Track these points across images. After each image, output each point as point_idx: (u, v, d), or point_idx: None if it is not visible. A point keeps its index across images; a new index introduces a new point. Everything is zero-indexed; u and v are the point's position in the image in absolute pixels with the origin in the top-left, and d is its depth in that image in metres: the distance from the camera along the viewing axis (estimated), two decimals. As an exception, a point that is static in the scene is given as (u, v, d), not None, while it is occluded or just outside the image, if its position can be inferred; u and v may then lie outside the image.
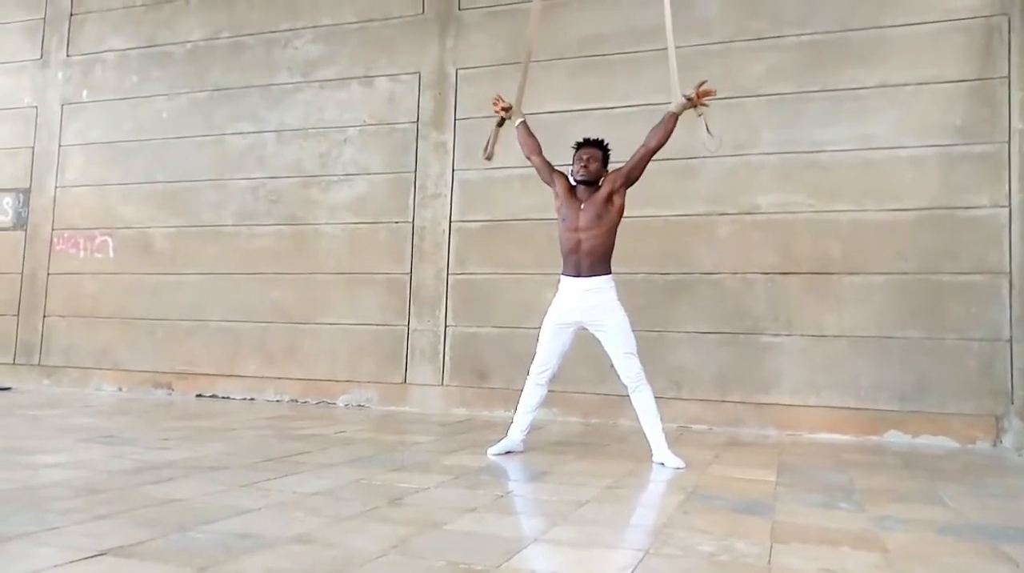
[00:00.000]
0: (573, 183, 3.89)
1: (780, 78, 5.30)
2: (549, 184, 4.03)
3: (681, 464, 3.59)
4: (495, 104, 4.21)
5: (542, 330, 3.89)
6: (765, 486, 3.17)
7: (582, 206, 3.80)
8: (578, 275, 3.77)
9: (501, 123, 4.24)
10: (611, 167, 3.91)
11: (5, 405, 5.51)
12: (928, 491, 3.22)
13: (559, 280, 3.89)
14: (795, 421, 5.06)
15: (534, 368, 3.90)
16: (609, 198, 3.77)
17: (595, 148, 3.87)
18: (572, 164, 3.87)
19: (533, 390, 3.90)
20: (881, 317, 4.98)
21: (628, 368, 3.70)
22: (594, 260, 3.75)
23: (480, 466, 3.47)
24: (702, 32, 5.47)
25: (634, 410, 3.78)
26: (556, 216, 3.91)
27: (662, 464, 3.63)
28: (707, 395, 5.26)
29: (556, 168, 4.02)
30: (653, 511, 2.81)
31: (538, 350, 3.89)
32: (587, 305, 3.74)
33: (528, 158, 4.14)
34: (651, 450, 3.73)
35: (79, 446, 3.66)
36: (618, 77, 5.59)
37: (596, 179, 3.83)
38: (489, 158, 4.30)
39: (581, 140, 3.92)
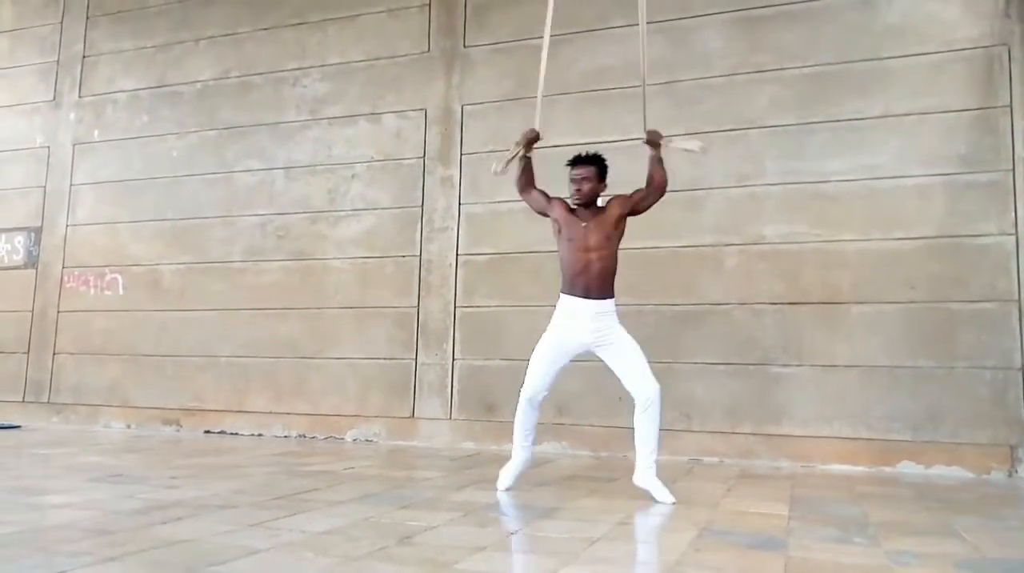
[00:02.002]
0: (572, 206, 3.80)
1: (782, 110, 5.34)
2: (545, 212, 3.90)
3: (669, 499, 3.52)
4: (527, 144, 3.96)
5: (540, 353, 3.77)
6: (778, 520, 3.14)
7: (587, 225, 3.71)
8: (587, 297, 3.67)
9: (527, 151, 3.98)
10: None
11: (14, 444, 5.51)
12: (944, 524, 3.17)
13: (561, 300, 3.76)
14: (807, 452, 5.02)
15: (529, 393, 3.75)
16: (619, 220, 3.72)
17: (588, 166, 3.75)
18: (569, 184, 3.78)
19: (530, 414, 3.77)
20: (891, 346, 4.95)
21: (650, 385, 3.61)
22: (603, 282, 3.68)
23: (489, 502, 3.45)
24: (704, 66, 5.54)
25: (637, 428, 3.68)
26: (556, 239, 3.81)
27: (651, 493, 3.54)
28: (718, 427, 5.22)
29: (549, 194, 3.92)
30: (665, 548, 2.77)
31: (533, 374, 3.76)
32: (596, 327, 3.67)
33: (525, 191, 3.97)
34: (638, 472, 3.64)
35: (88, 486, 3.65)
36: (619, 111, 5.63)
37: (593, 199, 3.76)
38: (498, 173, 4.08)
39: (573, 157, 3.79)
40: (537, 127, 3.98)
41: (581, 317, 3.69)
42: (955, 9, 5.08)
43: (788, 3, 5.42)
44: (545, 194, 3.93)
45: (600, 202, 3.83)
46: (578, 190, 3.75)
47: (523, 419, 3.81)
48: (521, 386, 3.84)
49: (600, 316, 3.68)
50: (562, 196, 3.87)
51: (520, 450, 3.82)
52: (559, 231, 3.81)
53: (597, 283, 3.68)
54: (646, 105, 3.97)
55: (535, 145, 3.96)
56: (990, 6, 5.01)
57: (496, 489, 3.76)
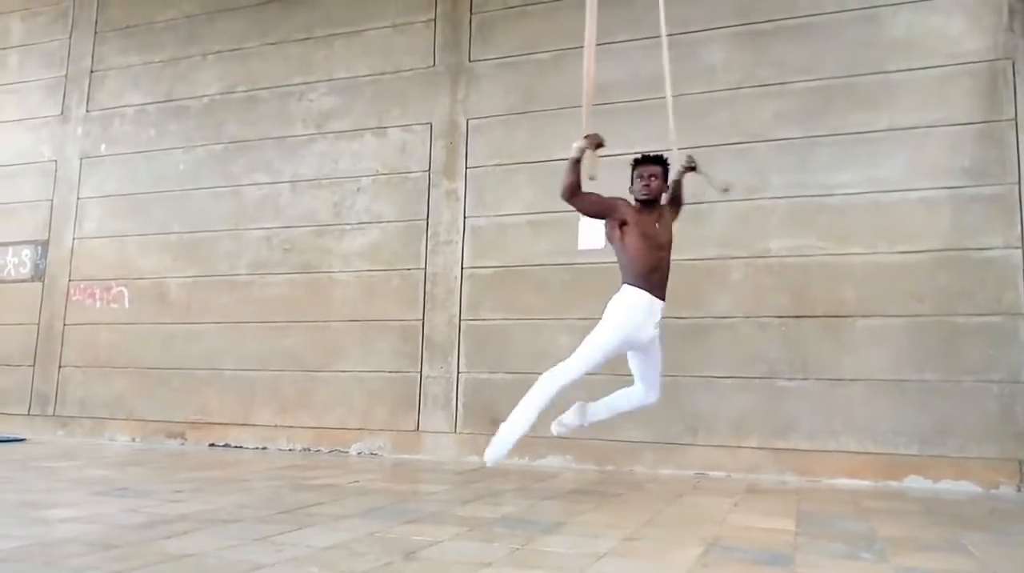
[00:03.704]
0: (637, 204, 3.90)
1: (788, 123, 5.35)
2: (604, 214, 3.85)
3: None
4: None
5: (603, 342, 3.73)
6: (785, 536, 3.12)
7: (658, 225, 3.87)
8: (660, 297, 3.82)
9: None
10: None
11: (20, 457, 5.51)
12: (952, 539, 3.15)
13: (633, 293, 3.77)
14: (814, 466, 4.99)
15: (572, 377, 3.70)
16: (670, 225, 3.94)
17: (657, 165, 3.90)
18: (632, 182, 3.89)
19: (554, 392, 3.72)
20: (897, 360, 4.93)
21: (655, 395, 4.00)
22: (666, 282, 3.87)
23: (494, 517, 3.43)
24: (708, 80, 5.56)
25: None
26: (623, 235, 3.80)
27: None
28: (724, 441, 5.20)
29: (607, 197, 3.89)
30: (672, 565, 2.75)
31: (587, 360, 3.72)
32: (656, 324, 3.82)
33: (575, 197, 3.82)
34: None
35: (93, 499, 3.65)
36: (625, 124, 5.65)
37: (659, 198, 3.90)
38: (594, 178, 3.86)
39: (640, 156, 3.92)
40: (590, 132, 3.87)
41: (654, 314, 3.81)
42: (960, 23, 5.09)
43: (792, 17, 5.44)
44: (598, 195, 3.86)
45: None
46: (647, 186, 3.85)
47: (547, 393, 3.69)
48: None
49: (659, 316, 3.86)
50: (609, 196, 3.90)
51: (529, 421, 3.71)
52: (623, 227, 3.81)
53: (665, 283, 3.86)
54: (672, 120, 4.07)
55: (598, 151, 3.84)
56: (994, 20, 5.03)
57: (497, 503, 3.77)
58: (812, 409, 5.06)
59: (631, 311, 3.78)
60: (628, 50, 5.73)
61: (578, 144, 3.77)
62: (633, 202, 3.90)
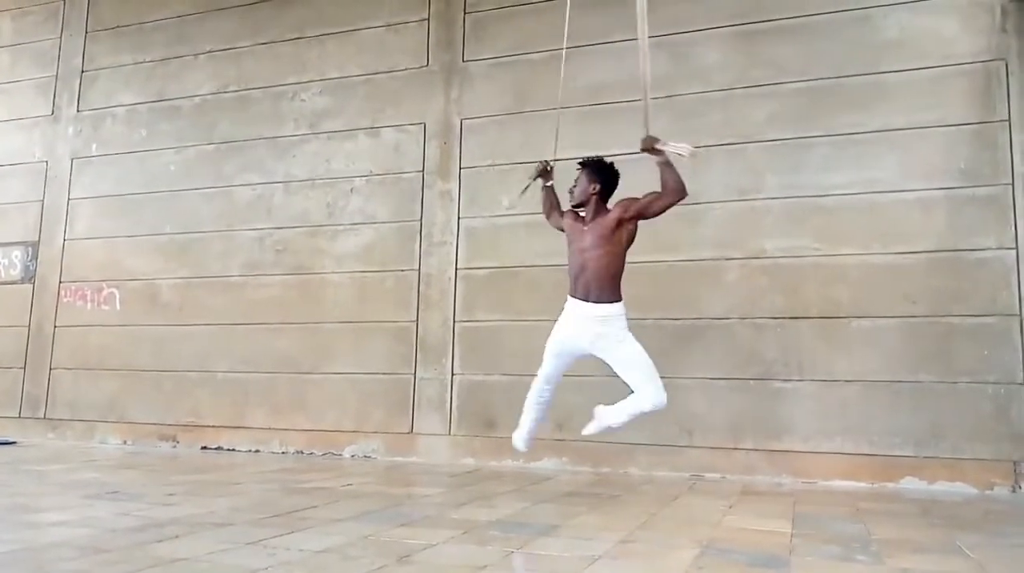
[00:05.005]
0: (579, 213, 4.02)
1: (781, 124, 5.34)
2: (561, 228, 4.12)
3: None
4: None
5: (546, 349, 3.96)
6: (781, 538, 3.11)
7: (586, 228, 3.87)
8: (585, 299, 3.78)
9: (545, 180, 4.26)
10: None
11: (10, 460, 5.47)
12: (947, 541, 3.15)
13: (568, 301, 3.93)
14: (809, 468, 4.98)
15: (538, 386, 4.01)
16: (619, 222, 3.80)
17: (581, 169, 3.98)
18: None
19: (537, 407, 4.05)
20: (892, 361, 4.93)
21: (651, 395, 3.73)
22: (600, 283, 3.75)
23: (489, 520, 3.42)
24: (703, 80, 5.55)
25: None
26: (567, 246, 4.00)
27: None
28: (719, 443, 5.19)
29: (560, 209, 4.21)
30: (667, 567, 2.74)
31: (541, 367, 4.00)
32: (594, 331, 3.77)
33: (548, 218, 4.27)
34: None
35: (84, 503, 3.62)
36: (621, 125, 5.62)
37: (584, 201, 3.92)
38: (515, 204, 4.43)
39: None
40: (551, 157, 4.24)
41: (577, 318, 3.82)
42: (953, 24, 5.10)
43: (786, 18, 5.43)
44: (560, 213, 4.16)
45: (609, 206, 3.95)
46: (569, 192, 3.99)
47: (531, 397, 4.04)
48: (521, 400, 3.94)
49: (598, 320, 3.76)
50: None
51: (530, 424, 4.08)
52: (568, 236, 3.99)
53: (595, 285, 3.77)
54: (648, 114, 3.91)
55: (551, 175, 4.21)
56: (987, 21, 5.03)
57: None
58: (807, 411, 5.06)
59: (561, 319, 3.92)
60: (624, 50, 5.70)
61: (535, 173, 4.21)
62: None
